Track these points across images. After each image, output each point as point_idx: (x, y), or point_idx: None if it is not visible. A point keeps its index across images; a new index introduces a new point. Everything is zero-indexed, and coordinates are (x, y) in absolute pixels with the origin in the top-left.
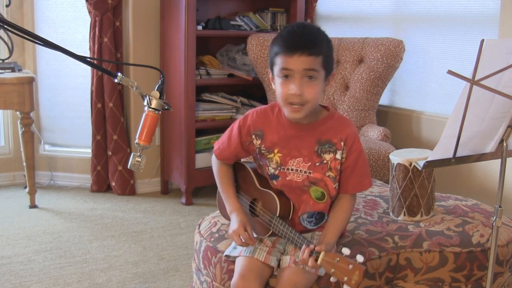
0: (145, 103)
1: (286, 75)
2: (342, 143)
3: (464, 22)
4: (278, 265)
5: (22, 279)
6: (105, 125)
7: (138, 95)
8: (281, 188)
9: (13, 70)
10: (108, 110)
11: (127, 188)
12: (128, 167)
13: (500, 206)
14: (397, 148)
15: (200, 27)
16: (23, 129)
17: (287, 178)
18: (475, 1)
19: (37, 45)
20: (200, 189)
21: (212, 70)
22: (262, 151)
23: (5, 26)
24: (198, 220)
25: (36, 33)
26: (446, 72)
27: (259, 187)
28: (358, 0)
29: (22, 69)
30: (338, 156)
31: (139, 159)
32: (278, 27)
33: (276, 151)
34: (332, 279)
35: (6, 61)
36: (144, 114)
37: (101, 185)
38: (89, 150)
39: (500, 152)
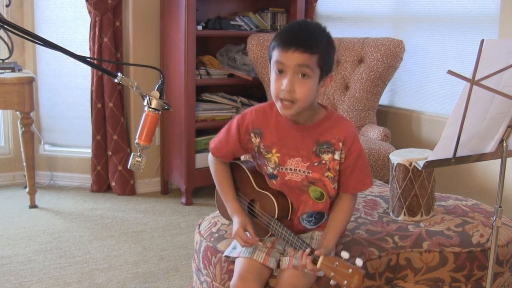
0: (145, 103)
1: (280, 70)
2: (340, 144)
3: (464, 22)
4: (278, 265)
5: (22, 279)
6: (105, 125)
7: (138, 95)
8: (280, 188)
9: (13, 70)
10: (108, 110)
11: (127, 188)
12: (128, 167)
13: (500, 206)
14: (397, 148)
15: (200, 27)
16: (23, 129)
17: (286, 178)
18: (475, 1)
19: (37, 45)
20: (200, 189)
21: (212, 70)
22: (261, 150)
23: (5, 26)
24: (198, 220)
25: (36, 33)
26: (446, 72)
27: (256, 188)
28: (358, 0)
29: (22, 69)
30: (337, 156)
31: (139, 159)
32: (278, 27)
33: (274, 151)
34: (332, 282)
35: (6, 61)
36: (144, 114)
37: (101, 185)
38: (89, 150)
39: (500, 152)
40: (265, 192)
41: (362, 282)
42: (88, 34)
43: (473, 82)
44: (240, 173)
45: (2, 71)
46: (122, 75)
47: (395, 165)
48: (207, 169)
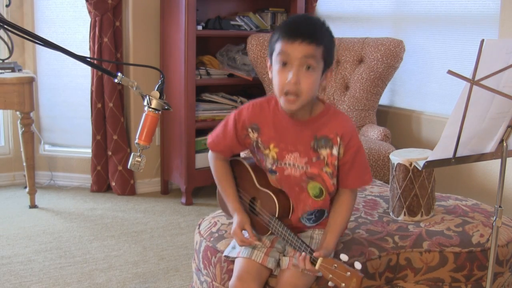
0: (145, 103)
1: (284, 63)
2: (338, 139)
3: (464, 22)
4: (278, 265)
5: (22, 279)
6: (105, 125)
7: (138, 95)
8: (280, 183)
9: (13, 70)
10: (108, 110)
11: (127, 188)
12: (128, 167)
13: (500, 206)
14: (397, 148)
15: (200, 27)
16: (23, 129)
17: (285, 173)
18: (475, 1)
19: (37, 45)
20: (200, 189)
21: (212, 70)
22: (259, 145)
23: (5, 26)
24: (198, 220)
25: (36, 33)
26: (446, 72)
27: (258, 186)
28: (358, 0)
29: (22, 69)
30: (335, 151)
31: (139, 159)
32: None
33: (272, 146)
34: (330, 283)
35: (6, 61)
36: (144, 114)
37: (101, 185)
38: (89, 150)
39: (500, 152)
40: (266, 190)
41: (360, 286)
42: (88, 34)
43: (473, 82)
44: (242, 170)
45: (2, 71)
46: (122, 75)
47: (395, 165)
48: (207, 169)
